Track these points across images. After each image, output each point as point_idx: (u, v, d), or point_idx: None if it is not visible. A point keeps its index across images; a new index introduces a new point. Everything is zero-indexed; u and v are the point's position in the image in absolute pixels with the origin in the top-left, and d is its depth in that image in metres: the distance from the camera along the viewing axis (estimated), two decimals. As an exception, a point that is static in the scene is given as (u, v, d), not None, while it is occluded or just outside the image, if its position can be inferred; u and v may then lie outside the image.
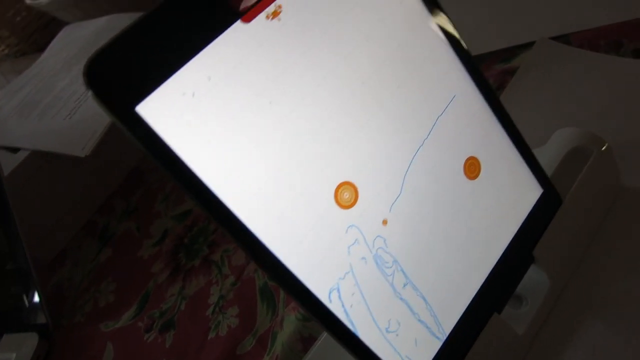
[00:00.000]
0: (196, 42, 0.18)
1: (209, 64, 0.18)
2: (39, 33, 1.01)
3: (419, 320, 0.23)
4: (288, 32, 0.20)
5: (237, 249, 0.40)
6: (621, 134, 0.33)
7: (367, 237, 0.22)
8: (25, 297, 0.42)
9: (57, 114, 0.50)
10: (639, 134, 0.34)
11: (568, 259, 0.29)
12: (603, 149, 0.30)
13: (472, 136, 0.25)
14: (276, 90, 0.20)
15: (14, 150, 0.48)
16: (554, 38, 0.42)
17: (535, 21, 0.45)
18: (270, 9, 0.20)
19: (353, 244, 0.22)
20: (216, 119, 0.19)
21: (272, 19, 0.20)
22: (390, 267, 0.22)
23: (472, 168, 0.25)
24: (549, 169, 0.29)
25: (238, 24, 0.19)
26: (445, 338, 0.24)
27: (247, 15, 0.19)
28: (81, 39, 0.65)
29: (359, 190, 0.22)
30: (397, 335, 0.23)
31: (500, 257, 0.26)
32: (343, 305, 0.21)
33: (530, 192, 0.27)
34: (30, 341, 0.41)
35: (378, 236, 0.22)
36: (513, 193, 0.27)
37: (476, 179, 0.25)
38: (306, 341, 0.32)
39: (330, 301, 0.21)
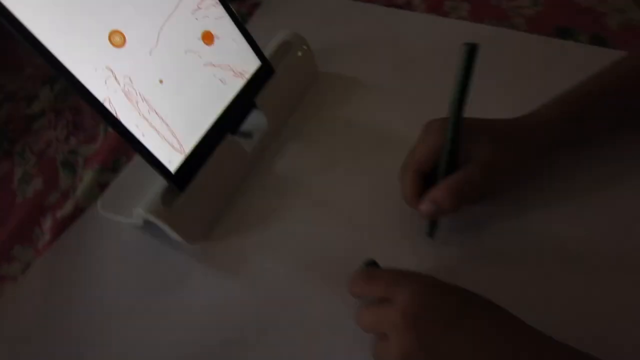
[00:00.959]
0: None
1: None
2: None
3: (164, 138, 0.36)
4: None
5: (39, 136, 0.48)
6: (324, 41, 0.50)
7: (118, 75, 0.33)
8: None
9: None
10: (334, 42, 0.51)
11: (280, 108, 0.44)
12: (303, 42, 0.46)
13: (209, 16, 0.38)
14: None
15: None
16: (287, -18, 0.59)
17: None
18: None
19: (108, 79, 0.32)
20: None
21: None
22: (135, 97, 0.34)
23: (207, 37, 0.38)
24: (268, 53, 0.44)
25: None
26: (188, 152, 0.36)
27: None
28: None
29: (127, 36, 0.33)
30: (154, 144, 0.34)
31: (232, 100, 0.40)
32: (115, 111, 0.32)
33: (251, 62, 0.42)
34: None
35: (127, 76, 0.34)
36: (239, 60, 0.41)
37: (212, 45, 0.39)
38: (103, 186, 0.42)
39: (108, 104, 0.32)
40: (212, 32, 0.39)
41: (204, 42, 0.38)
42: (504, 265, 0.33)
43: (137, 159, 0.43)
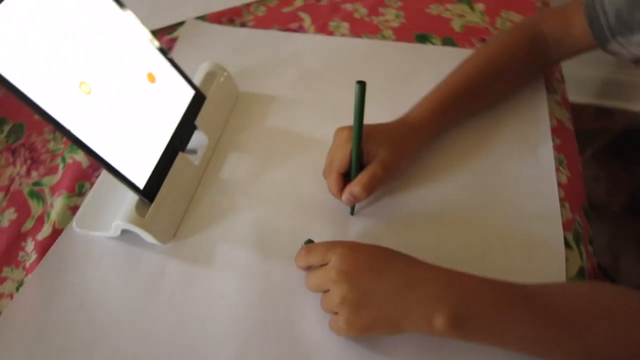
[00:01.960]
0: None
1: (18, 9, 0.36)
2: None
3: (132, 162, 0.45)
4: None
5: (1, 177, 0.54)
6: (239, 67, 0.61)
7: (89, 116, 0.42)
8: None
9: None
10: (247, 66, 0.62)
11: (215, 125, 0.55)
12: (224, 70, 0.57)
13: (149, 61, 0.48)
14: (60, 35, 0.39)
15: None
16: (197, 18, 0.69)
17: (184, 7, 0.70)
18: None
19: (82, 120, 0.42)
20: (21, 50, 0.37)
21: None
22: (107, 134, 0.44)
23: (150, 77, 0.48)
24: (197, 82, 0.54)
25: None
26: (150, 170, 0.46)
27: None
28: None
29: (91, 86, 0.42)
30: (125, 168, 0.44)
31: (177, 126, 0.50)
32: (96, 148, 0.41)
33: (187, 92, 0.52)
34: None
35: (97, 117, 0.43)
36: (178, 92, 0.51)
37: (154, 83, 0.48)
38: (74, 209, 0.51)
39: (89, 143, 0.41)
40: (153, 73, 0.49)
41: (149, 80, 0.48)
42: (405, 226, 0.47)
43: (98, 183, 0.51)
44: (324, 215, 0.48)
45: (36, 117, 0.39)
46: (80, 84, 0.42)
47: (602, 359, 0.36)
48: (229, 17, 0.69)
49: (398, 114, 0.50)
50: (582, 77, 1.34)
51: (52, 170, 0.54)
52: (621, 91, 1.40)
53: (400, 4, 0.69)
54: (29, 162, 0.55)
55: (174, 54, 0.65)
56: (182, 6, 0.71)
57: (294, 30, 0.67)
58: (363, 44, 0.65)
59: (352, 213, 0.48)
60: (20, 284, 0.46)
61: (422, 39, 0.64)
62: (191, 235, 0.48)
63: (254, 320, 0.42)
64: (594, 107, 1.44)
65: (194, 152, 0.53)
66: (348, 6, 0.70)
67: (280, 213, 0.49)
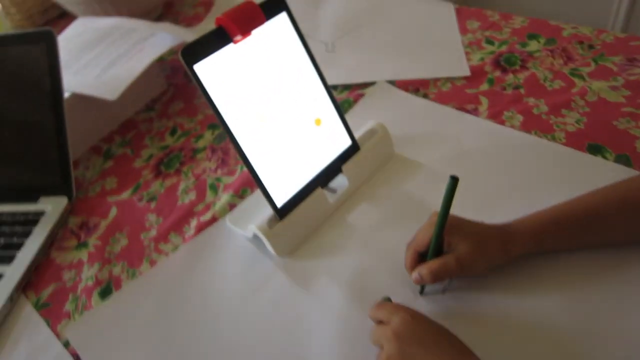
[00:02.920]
0: (215, 47, 0.50)
1: (221, 58, 0.50)
2: (37, 15, 1.26)
3: (278, 183, 0.55)
4: (255, 53, 0.52)
5: (199, 164, 0.71)
6: (405, 130, 0.67)
7: (261, 140, 0.54)
8: (60, 175, 0.70)
9: (88, 75, 0.78)
10: (412, 131, 0.69)
11: (359, 175, 0.62)
12: (385, 131, 0.65)
13: (319, 107, 0.58)
14: (245, 75, 0.52)
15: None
16: (387, 81, 0.78)
17: (379, 70, 0.80)
18: (244, 40, 0.52)
19: (255, 140, 0.53)
20: (224, 79, 0.50)
21: (244, 45, 0.52)
22: (269, 153, 0.54)
23: (317, 121, 0.58)
24: (358, 135, 0.63)
25: (231, 45, 0.51)
26: (291, 194, 0.56)
27: (235, 41, 0.51)
28: (96, 29, 0.93)
29: (266, 118, 0.54)
30: (271, 186, 0.54)
31: (327, 165, 0.59)
32: (252, 160, 0.53)
33: (344, 140, 0.61)
34: (61, 201, 0.69)
35: (267, 142, 0.54)
36: (336, 138, 0.60)
37: (319, 127, 0.58)
38: (232, 206, 0.64)
39: (249, 156, 0.53)
40: (321, 118, 0.59)
41: (315, 124, 0.58)
42: (470, 324, 0.47)
43: (257, 193, 0.63)
44: (411, 284, 0.51)
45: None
46: (259, 113, 0.54)
47: None
48: (415, 87, 0.77)
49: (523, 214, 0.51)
50: None
51: (231, 173, 0.69)
52: None
53: (587, 109, 0.67)
54: (219, 161, 0.71)
55: (356, 106, 0.75)
56: (380, 69, 0.81)
57: (468, 111, 0.71)
58: (529, 140, 0.65)
59: (421, 293, 0.51)
60: (176, 248, 0.61)
61: (595, 149, 0.62)
62: (303, 259, 0.56)
63: (322, 348, 0.48)
64: None
65: (333, 191, 0.61)
66: (531, 100, 0.71)
67: (381, 269, 0.54)
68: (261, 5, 0.53)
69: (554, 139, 0.64)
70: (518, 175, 0.60)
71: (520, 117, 0.68)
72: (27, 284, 0.61)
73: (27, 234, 0.65)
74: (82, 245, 0.65)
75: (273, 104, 0.55)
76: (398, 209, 0.60)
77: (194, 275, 0.57)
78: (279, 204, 0.55)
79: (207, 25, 1.03)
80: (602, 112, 0.66)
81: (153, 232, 0.63)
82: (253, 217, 0.59)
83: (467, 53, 0.82)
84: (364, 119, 0.65)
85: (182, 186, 0.69)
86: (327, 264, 0.55)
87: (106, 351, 0.52)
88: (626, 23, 1.24)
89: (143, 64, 0.78)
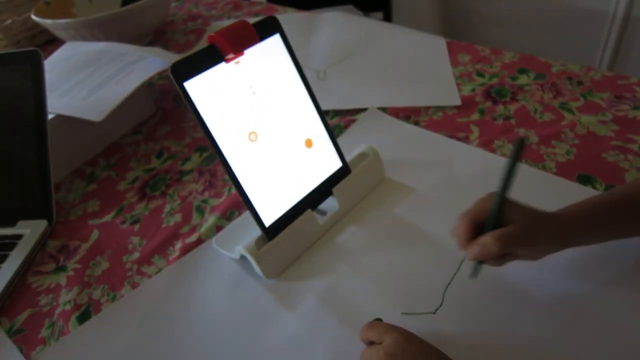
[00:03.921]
0: (206, 65, 0.49)
1: (212, 77, 0.50)
2: (25, 40, 1.26)
3: (267, 203, 0.54)
4: (244, 71, 0.52)
5: (185, 186, 0.69)
6: (396, 154, 0.67)
7: (250, 158, 0.53)
8: (40, 198, 0.67)
9: (74, 97, 0.77)
10: (403, 156, 0.68)
11: (350, 198, 0.61)
12: (376, 154, 0.64)
13: (310, 128, 0.58)
14: (235, 94, 0.51)
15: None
16: (379, 107, 0.78)
17: (371, 96, 0.81)
18: (236, 59, 0.51)
19: (244, 160, 0.52)
20: (212, 96, 0.50)
21: (236, 64, 0.52)
22: (257, 172, 0.53)
23: (308, 143, 0.57)
24: (349, 158, 0.62)
25: (223, 64, 0.51)
26: (279, 215, 0.54)
27: (227, 60, 0.51)
28: (85, 53, 0.93)
29: (258, 136, 0.53)
30: (259, 206, 0.53)
31: (317, 187, 0.58)
32: (240, 180, 0.52)
33: (335, 162, 0.60)
34: (40, 224, 0.66)
35: (255, 160, 0.53)
36: (327, 160, 0.59)
37: (310, 148, 0.58)
38: (219, 228, 0.62)
39: (238, 175, 0.51)
40: (312, 140, 0.58)
41: (306, 145, 0.57)
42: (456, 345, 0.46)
43: (244, 215, 0.62)
44: (411, 306, 0.50)
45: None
46: (250, 133, 0.53)
47: None
48: (406, 114, 0.77)
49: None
50: None
51: (219, 195, 0.67)
52: None
53: (577, 141, 0.68)
54: (206, 184, 0.69)
55: (347, 131, 0.75)
56: (373, 95, 0.81)
57: (459, 139, 0.71)
58: (519, 168, 0.65)
59: (473, 276, 0.46)
60: (160, 270, 0.58)
61: (585, 180, 0.62)
62: (292, 280, 0.54)
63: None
64: None
65: (323, 213, 0.60)
66: (521, 131, 0.71)
67: (372, 289, 0.52)
68: (255, 25, 0.53)
69: (544, 168, 0.64)
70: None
71: (511, 147, 0.68)
72: (1, 310, 0.57)
73: (3, 259, 0.62)
74: (60, 269, 0.62)
75: (264, 124, 0.54)
76: (388, 232, 0.58)
77: (178, 298, 0.55)
78: (268, 223, 0.54)
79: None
80: (592, 144, 0.67)
81: (136, 255, 0.61)
82: (240, 239, 0.57)
83: (458, 84, 0.82)
84: (354, 144, 0.65)
85: (167, 208, 0.67)
86: (316, 286, 0.53)
87: (81, 378, 0.49)
88: (612, 62, 1.28)
89: (131, 86, 0.77)
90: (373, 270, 0.54)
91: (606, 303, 0.47)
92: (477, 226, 0.45)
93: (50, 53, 0.92)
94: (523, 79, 0.82)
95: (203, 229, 0.62)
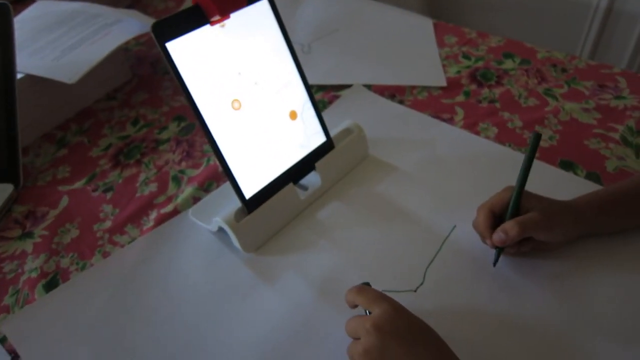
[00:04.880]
0: (190, 26, 0.47)
1: (196, 39, 0.47)
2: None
3: (247, 173, 0.52)
4: (231, 34, 0.50)
5: (161, 156, 0.67)
6: (379, 133, 0.65)
7: (233, 128, 0.51)
8: (6, 160, 0.64)
9: (45, 57, 0.73)
10: (387, 135, 0.67)
11: (332, 174, 0.60)
12: (361, 131, 0.63)
13: (295, 100, 0.56)
14: (220, 56, 0.49)
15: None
16: (364, 84, 0.77)
17: (356, 73, 0.79)
18: (222, 22, 0.49)
19: (227, 129, 0.50)
20: (196, 59, 0.47)
21: (222, 27, 0.49)
22: (239, 141, 0.52)
23: (292, 115, 0.56)
24: (333, 133, 0.60)
25: (208, 26, 0.48)
26: (260, 187, 0.53)
27: (212, 22, 0.48)
28: (57, 12, 0.88)
29: (242, 104, 0.51)
30: (240, 176, 0.51)
31: (299, 161, 0.56)
32: (222, 149, 0.50)
33: (319, 137, 0.58)
34: (6, 189, 0.63)
35: (239, 129, 0.51)
36: (311, 134, 0.58)
37: (294, 121, 0.56)
38: (196, 199, 0.60)
39: (220, 144, 0.49)
40: (296, 112, 0.56)
41: (290, 117, 0.56)
42: (444, 321, 0.45)
43: (223, 187, 0.60)
44: (392, 284, 0.49)
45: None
46: (233, 100, 0.51)
47: None
48: (391, 93, 0.76)
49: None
50: None
51: (196, 166, 0.65)
52: None
53: (560, 127, 0.68)
54: (184, 154, 0.67)
55: (330, 107, 0.73)
56: (358, 72, 0.80)
57: (443, 120, 0.70)
58: (502, 152, 0.64)
59: (495, 263, 0.48)
60: (133, 240, 0.56)
61: (567, 165, 0.62)
62: (271, 254, 0.53)
63: (283, 345, 0.45)
64: None
65: (304, 188, 0.59)
66: (506, 114, 0.71)
67: (352, 266, 0.51)
68: (242, -13, 0.51)
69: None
70: (490, 184, 0.59)
71: (495, 130, 0.68)
72: (-41, 275, 0.55)
73: (-36, 220, 0.59)
74: (26, 235, 0.59)
75: (248, 92, 0.52)
76: (370, 209, 0.57)
77: (152, 269, 0.53)
78: (248, 195, 0.52)
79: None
80: (574, 131, 0.67)
81: (108, 224, 0.58)
82: (218, 211, 0.55)
83: (443, 65, 0.81)
84: (338, 120, 0.63)
85: (142, 177, 0.64)
86: (295, 260, 0.52)
87: (48, 347, 0.47)
88: (593, 52, 1.30)
89: (107, 49, 0.73)
90: (354, 247, 0.53)
91: (585, 279, 0.48)
92: (496, 217, 0.48)
93: (19, 12, 0.87)
94: (508, 64, 0.81)
95: (179, 200, 0.60)
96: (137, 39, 0.76)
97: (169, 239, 0.56)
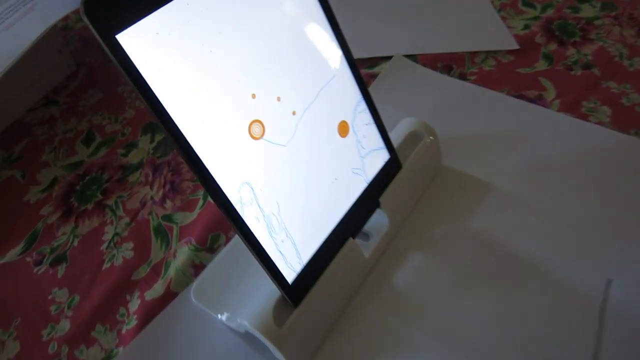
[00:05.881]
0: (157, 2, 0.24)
1: (166, 19, 0.25)
2: None
3: (283, 243, 0.31)
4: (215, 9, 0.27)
5: (131, 196, 0.45)
6: (444, 129, 0.44)
7: (251, 172, 0.30)
8: None
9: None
10: (456, 131, 0.47)
11: (403, 208, 0.40)
12: (432, 135, 0.42)
13: (344, 104, 0.34)
14: (215, 43, 0.27)
15: None
16: (406, 55, 0.55)
17: (395, 40, 0.57)
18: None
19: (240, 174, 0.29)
20: (174, 56, 0.25)
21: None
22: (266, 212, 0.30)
23: (342, 128, 0.34)
24: (394, 144, 0.39)
25: (197, -11, 0.26)
26: (306, 260, 0.32)
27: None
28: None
29: (265, 127, 0.29)
30: (272, 248, 0.30)
31: (357, 199, 0.35)
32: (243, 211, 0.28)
33: (381, 155, 0.37)
34: None
35: (259, 172, 0.30)
36: (369, 152, 0.36)
37: (345, 138, 0.34)
38: (197, 267, 0.39)
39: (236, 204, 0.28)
40: (348, 122, 0.35)
41: (339, 133, 0.34)
42: None
43: (235, 241, 0.39)
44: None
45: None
46: (252, 122, 0.29)
47: None
48: (446, 64, 0.54)
49: None
50: None
51: (189, 206, 0.43)
52: None
53: (693, 94, 0.48)
54: (167, 186, 0.45)
55: (368, 96, 0.51)
56: (395, 39, 0.57)
57: (531, 100, 0.49)
58: (632, 144, 0.45)
59: None
60: (109, 356, 0.35)
61: None
62: (334, 363, 0.33)
63: None
64: None
65: (365, 236, 0.38)
66: (612, 86, 0.50)
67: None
68: None
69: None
70: (625, 198, 0.40)
71: (607, 110, 0.48)
72: None
73: None
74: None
75: (272, 107, 0.30)
76: (471, 260, 0.37)
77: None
78: (291, 278, 0.31)
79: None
80: None
81: (64, 326, 0.37)
82: (237, 287, 0.35)
83: (503, 19, 0.60)
84: (383, 113, 0.42)
85: (108, 233, 0.43)
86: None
87: None
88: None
89: (33, 34, 0.49)
90: (461, 328, 0.34)
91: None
92: None
93: None
94: (587, 10, 0.61)
95: (172, 271, 0.39)
96: (77, 12, 0.52)
97: (165, 349, 0.35)
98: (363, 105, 0.36)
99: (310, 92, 0.32)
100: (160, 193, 0.45)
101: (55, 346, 0.36)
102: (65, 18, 0.63)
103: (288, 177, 0.31)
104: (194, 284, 0.37)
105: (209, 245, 0.40)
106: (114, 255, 0.41)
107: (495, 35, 0.57)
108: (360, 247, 0.36)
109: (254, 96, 0.29)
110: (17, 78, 0.51)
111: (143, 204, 0.44)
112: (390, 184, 0.38)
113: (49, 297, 0.39)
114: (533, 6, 0.62)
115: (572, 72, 0.52)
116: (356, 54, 0.35)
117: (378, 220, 0.38)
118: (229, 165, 0.28)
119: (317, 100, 0.32)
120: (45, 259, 0.42)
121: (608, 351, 0.32)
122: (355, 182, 0.35)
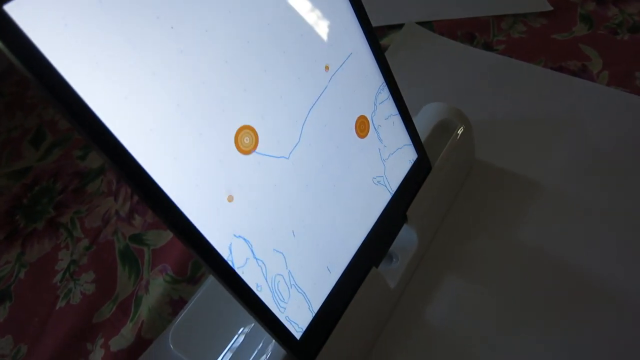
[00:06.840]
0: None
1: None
2: None
3: (285, 288, 0.23)
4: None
5: (91, 211, 0.36)
6: (471, 112, 0.36)
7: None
8: None
9: None
10: (486, 115, 0.38)
11: (434, 220, 0.31)
12: (465, 124, 0.33)
13: (364, 95, 0.25)
14: (177, 16, 0.18)
15: None
16: (420, 23, 0.46)
17: (405, 6, 0.48)
18: None
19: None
20: (108, 35, 0.16)
21: None
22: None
23: (361, 125, 0.26)
24: (423, 137, 0.31)
25: None
26: (317, 307, 0.24)
27: None
28: None
29: (259, 135, 0.21)
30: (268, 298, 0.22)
31: (379, 217, 0.27)
32: (233, 263, 0.20)
33: (407, 155, 0.29)
34: None
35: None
36: (392, 152, 0.28)
37: (365, 139, 0.26)
38: (176, 304, 0.30)
39: (230, 253, 0.20)
40: (367, 117, 0.26)
41: (357, 133, 0.25)
42: None
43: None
44: None
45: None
46: (240, 129, 0.20)
47: None
48: (467, 32, 0.45)
49: None
50: None
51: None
52: None
53: None
54: (134, 198, 0.36)
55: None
56: (404, 4, 0.48)
57: (574, 73, 0.41)
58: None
59: None
60: None
61: None
62: None
63: None
64: None
65: (388, 258, 0.30)
66: (667, 50, 0.42)
67: None
68: None
69: None
70: None
71: (670, 81, 0.40)
72: None
73: None
74: None
75: (271, 102, 0.21)
76: (513, 280, 0.30)
77: None
78: (299, 334, 0.23)
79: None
80: None
81: (6, 388, 0.29)
82: (227, 330, 0.28)
83: (528, -26, 0.51)
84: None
85: (63, 261, 0.34)
86: None
87: None
88: None
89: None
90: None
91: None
92: None
93: None
94: (622, -39, 0.51)
95: (144, 311, 0.30)
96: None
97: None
98: (386, 93, 0.27)
99: (318, 79, 0.23)
100: (127, 206, 0.36)
101: (-6, 421, 0.28)
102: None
103: (293, 204, 0.22)
104: (172, 327, 0.29)
105: (189, 275, 0.32)
106: (70, 290, 0.32)
107: (523, -5, 0.48)
108: (385, 278, 0.28)
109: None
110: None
111: (106, 222, 0.35)
112: (419, 191, 0.29)
113: (-12, 350, 0.30)
114: (561, -41, 0.53)
115: (618, 37, 0.44)
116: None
117: (403, 237, 0.30)
118: (211, 217, 0.19)
119: (328, 90, 0.24)
120: (-16, 297, 0.33)
121: None
122: (377, 194, 0.27)
